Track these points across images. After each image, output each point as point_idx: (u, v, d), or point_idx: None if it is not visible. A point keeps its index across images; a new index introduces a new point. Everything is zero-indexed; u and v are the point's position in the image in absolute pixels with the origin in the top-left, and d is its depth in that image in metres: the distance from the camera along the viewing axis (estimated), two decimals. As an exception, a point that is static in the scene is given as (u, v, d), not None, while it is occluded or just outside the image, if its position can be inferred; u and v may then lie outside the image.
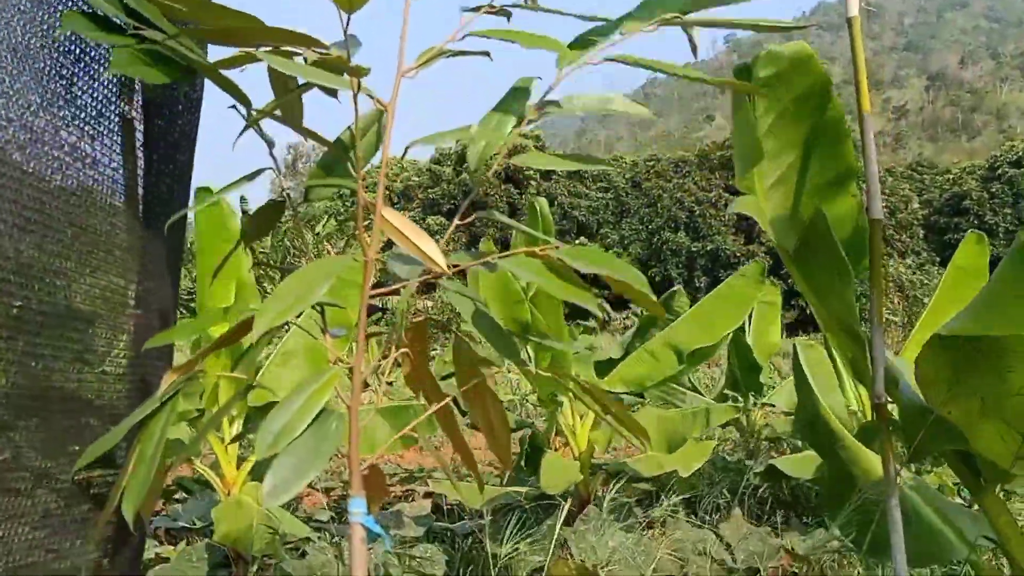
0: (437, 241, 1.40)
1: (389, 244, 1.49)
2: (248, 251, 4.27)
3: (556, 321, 4.58)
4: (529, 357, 4.82)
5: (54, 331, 1.35)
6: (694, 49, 1.55)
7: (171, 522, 4.93)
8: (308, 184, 1.61)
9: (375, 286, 1.50)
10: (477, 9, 1.48)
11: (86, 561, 1.50)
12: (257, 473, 4.43)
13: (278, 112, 1.52)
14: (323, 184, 1.62)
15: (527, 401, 9.54)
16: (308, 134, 1.54)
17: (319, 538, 4.33)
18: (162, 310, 1.72)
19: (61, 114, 1.32)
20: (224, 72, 1.43)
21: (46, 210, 1.28)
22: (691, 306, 5.53)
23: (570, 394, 4.89)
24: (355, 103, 1.39)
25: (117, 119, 1.50)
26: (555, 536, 3.75)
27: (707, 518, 4.58)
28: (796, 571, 4.14)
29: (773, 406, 7.25)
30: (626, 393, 5.31)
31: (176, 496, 5.55)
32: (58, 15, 1.32)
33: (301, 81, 1.48)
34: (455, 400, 1.76)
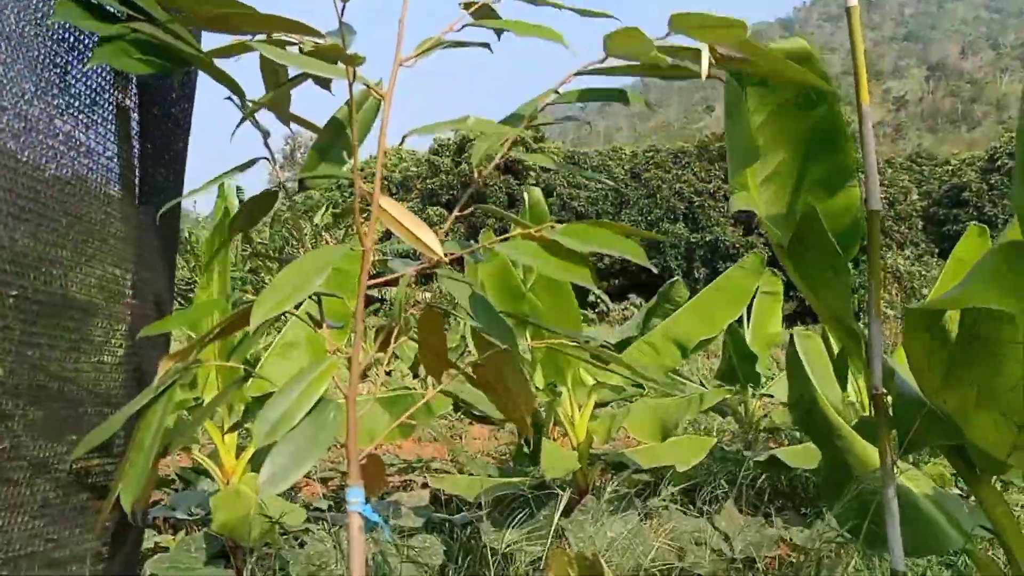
0: (436, 232, 1.40)
1: (387, 235, 1.49)
2: (246, 242, 4.27)
3: (566, 306, 4.53)
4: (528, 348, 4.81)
5: (50, 320, 1.35)
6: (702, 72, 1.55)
7: (170, 512, 4.94)
8: (302, 173, 1.60)
9: (372, 277, 1.50)
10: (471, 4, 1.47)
11: (85, 550, 1.51)
12: (256, 463, 4.44)
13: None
14: (318, 176, 1.61)
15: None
16: (298, 121, 1.53)
17: (318, 528, 4.34)
18: (158, 300, 1.72)
19: (55, 102, 1.31)
20: (218, 62, 1.43)
21: (41, 199, 1.27)
22: (690, 297, 5.52)
23: (569, 384, 4.90)
24: (351, 92, 1.39)
25: (112, 107, 1.49)
26: (553, 526, 3.76)
27: (705, 509, 4.59)
28: (794, 561, 4.16)
29: (772, 396, 7.26)
30: (628, 384, 5.31)
31: (174, 486, 5.56)
32: (52, 2, 1.31)
33: (294, 72, 1.47)
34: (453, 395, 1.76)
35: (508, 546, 3.72)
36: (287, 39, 1.40)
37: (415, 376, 10.94)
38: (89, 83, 1.41)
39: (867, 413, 4.59)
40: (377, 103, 1.58)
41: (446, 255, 1.42)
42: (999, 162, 43.53)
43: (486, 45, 1.55)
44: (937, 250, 39.83)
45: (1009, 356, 1.72)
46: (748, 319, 6.89)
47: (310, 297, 1.49)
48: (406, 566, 3.62)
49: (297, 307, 1.51)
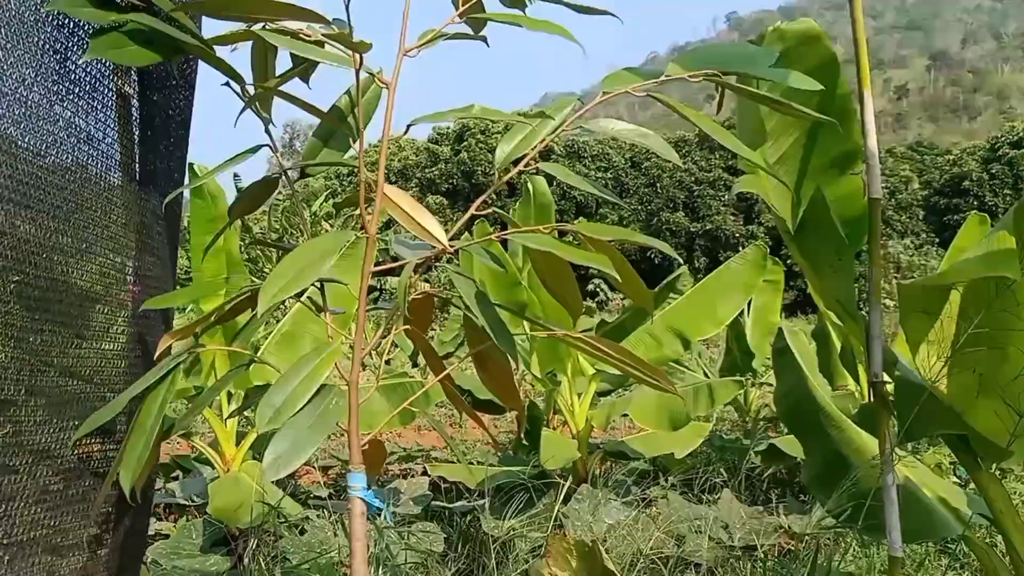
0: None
1: (387, 225, 1.49)
2: (244, 229, 4.28)
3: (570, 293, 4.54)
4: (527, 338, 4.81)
5: (52, 306, 1.35)
6: (719, 105, 1.56)
7: (170, 499, 4.97)
8: (304, 160, 1.60)
9: (374, 265, 1.50)
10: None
11: (88, 536, 1.51)
12: (257, 451, 4.46)
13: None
14: (320, 163, 1.61)
15: (525, 380, 9.57)
16: (303, 106, 1.53)
17: (318, 516, 4.36)
18: (160, 286, 1.72)
19: (56, 89, 1.31)
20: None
21: (42, 185, 1.27)
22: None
23: (568, 373, 4.90)
24: (357, 78, 1.39)
25: (112, 94, 1.49)
26: (553, 514, 3.78)
27: (704, 497, 4.60)
28: (792, 549, 4.18)
29: (771, 385, 7.26)
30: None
31: (175, 474, 5.58)
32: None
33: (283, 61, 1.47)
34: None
35: (507, 533, 3.73)
36: (286, 27, 1.40)
37: (415, 366, 10.96)
38: (89, 69, 1.41)
39: (865, 400, 4.60)
40: (378, 93, 1.59)
41: (451, 245, 1.42)
42: (1000, 151, 43.46)
43: (484, 39, 1.56)
44: (938, 240, 39.82)
45: (1013, 346, 1.72)
46: (748, 308, 6.89)
47: (312, 284, 1.50)
48: (407, 553, 3.64)
49: (299, 296, 1.51)
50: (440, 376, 1.64)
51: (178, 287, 1.96)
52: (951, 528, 2.27)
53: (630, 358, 1.53)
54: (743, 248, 5.67)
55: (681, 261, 1.37)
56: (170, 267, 1.81)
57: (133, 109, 1.59)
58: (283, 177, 1.65)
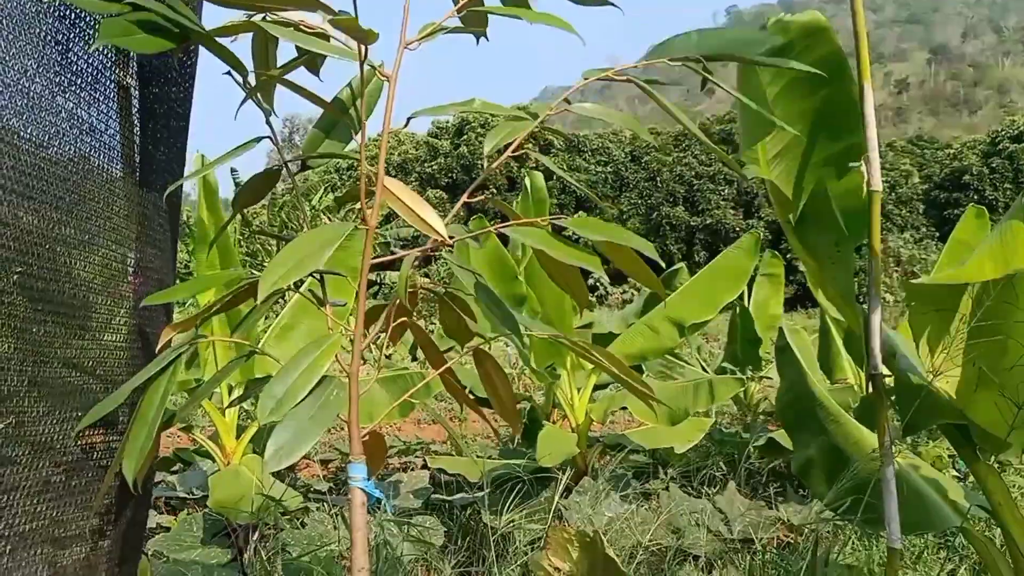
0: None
1: (387, 219, 1.49)
2: (244, 224, 4.29)
3: (557, 292, 4.59)
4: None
5: (55, 297, 1.35)
6: (703, 86, 1.56)
7: (171, 492, 4.98)
8: (305, 151, 1.60)
9: (374, 258, 1.50)
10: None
11: (89, 527, 1.52)
12: (257, 444, 4.47)
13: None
14: (321, 155, 1.61)
15: (525, 374, 9.58)
16: (306, 95, 1.53)
17: (318, 509, 4.37)
18: (161, 280, 1.72)
19: (58, 80, 1.31)
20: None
21: (45, 176, 1.27)
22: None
23: (568, 367, 4.91)
24: (361, 69, 1.39)
25: (113, 85, 1.49)
26: (553, 507, 3.79)
27: (704, 490, 4.62)
28: (791, 542, 4.19)
29: (771, 379, 7.27)
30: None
31: (175, 468, 5.59)
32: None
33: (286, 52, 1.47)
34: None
35: (507, 525, 3.74)
36: (288, 19, 1.40)
37: (414, 359, 10.99)
38: (91, 60, 1.41)
39: (864, 393, 4.61)
40: (379, 85, 1.59)
41: (450, 237, 1.42)
42: (1000, 145, 43.43)
43: (483, 34, 1.57)
44: (937, 234, 39.82)
45: (1014, 337, 1.73)
46: (749, 301, 6.89)
47: (312, 275, 1.50)
48: (407, 545, 3.65)
49: (299, 288, 1.52)
50: (440, 370, 1.65)
51: (178, 281, 1.97)
52: (950, 520, 2.28)
53: (616, 364, 1.56)
54: (743, 243, 5.70)
55: (651, 246, 1.38)
56: (171, 259, 1.81)
57: (134, 101, 1.59)
58: (283, 170, 1.65)
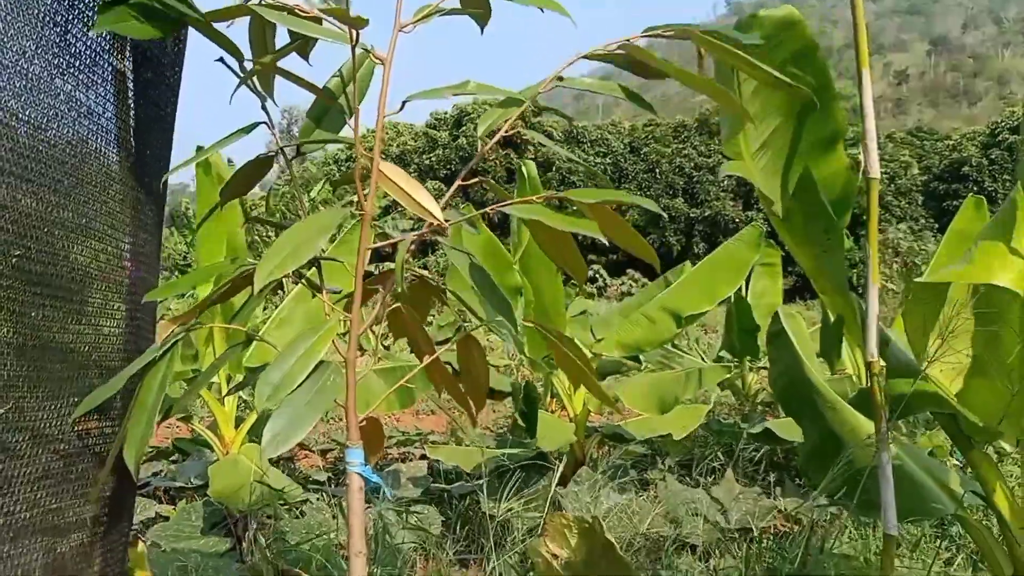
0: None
1: (385, 212, 1.49)
2: (241, 211, 4.28)
3: (552, 282, 4.59)
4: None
5: (53, 281, 1.35)
6: (700, 62, 1.56)
7: (170, 482, 4.99)
8: (300, 139, 1.60)
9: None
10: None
11: (83, 514, 1.52)
12: (255, 434, 4.48)
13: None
14: (315, 141, 1.61)
15: (523, 365, 9.59)
16: (299, 82, 1.52)
17: (317, 498, 4.38)
18: (151, 264, 1.72)
19: (56, 62, 1.30)
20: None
21: (43, 159, 1.27)
22: (690, 273, 5.52)
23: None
24: (353, 54, 1.38)
25: (110, 69, 1.48)
26: (550, 496, 3.80)
27: (701, 480, 4.63)
28: (788, 531, 4.20)
29: (768, 369, 7.27)
30: (623, 357, 5.33)
31: (174, 458, 5.60)
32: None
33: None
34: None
35: (505, 514, 3.76)
36: (283, 3, 1.40)
37: (412, 350, 10.99)
38: (89, 43, 1.40)
39: (863, 383, 4.61)
40: (371, 68, 1.58)
41: (445, 220, 1.42)
42: (1000, 137, 43.35)
43: (483, 15, 1.55)
44: (937, 225, 39.78)
45: (1007, 326, 1.73)
46: (748, 292, 6.90)
47: (310, 263, 1.50)
48: (405, 533, 3.66)
49: (299, 278, 1.51)
50: (427, 361, 1.65)
51: (175, 273, 1.96)
52: (946, 506, 2.29)
53: (580, 358, 1.60)
54: (743, 235, 5.70)
55: (665, 216, 1.39)
56: (157, 245, 1.81)
57: (129, 85, 1.59)
58: (282, 160, 1.64)
